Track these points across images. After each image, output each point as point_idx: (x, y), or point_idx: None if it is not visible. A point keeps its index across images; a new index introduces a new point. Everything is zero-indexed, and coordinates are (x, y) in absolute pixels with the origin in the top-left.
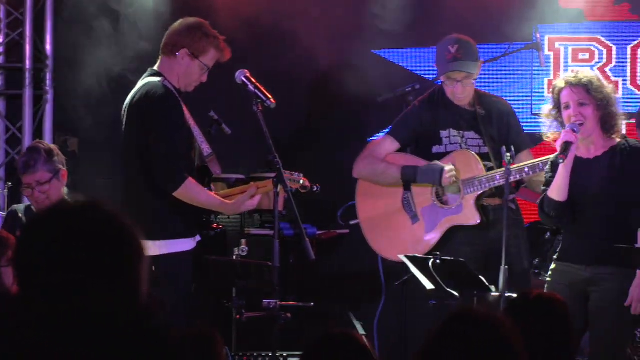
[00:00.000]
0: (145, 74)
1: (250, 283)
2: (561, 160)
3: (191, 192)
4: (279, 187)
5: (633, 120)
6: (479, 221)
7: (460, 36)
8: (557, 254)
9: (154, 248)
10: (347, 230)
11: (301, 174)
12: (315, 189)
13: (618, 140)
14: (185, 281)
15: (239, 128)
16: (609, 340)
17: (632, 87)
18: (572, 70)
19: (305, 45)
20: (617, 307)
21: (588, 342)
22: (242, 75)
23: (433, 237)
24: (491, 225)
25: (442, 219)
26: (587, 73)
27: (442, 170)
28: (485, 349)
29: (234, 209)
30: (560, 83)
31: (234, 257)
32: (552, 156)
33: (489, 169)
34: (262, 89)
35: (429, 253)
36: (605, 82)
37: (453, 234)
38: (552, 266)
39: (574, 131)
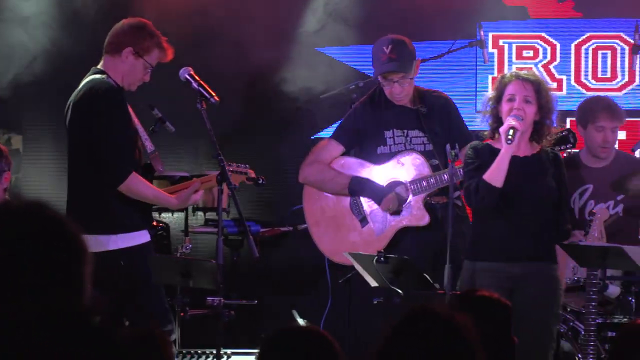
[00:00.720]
0: (89, 72)
1: (194, 281)
2: (509, 142)
3: (136, 186)
4: (223, 185)
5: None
6: (428, 221)
7: (394, 36)
8: (473, 253)
9: (113, 241)
10: (290, 228)
11: (247, 166)
12: (260, 181)
13: (540, 147)
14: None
15: (183, 125)
16: (537, 335)
17: (575, 84)
18: (521, 69)
19: (250, 43)
20: (544, 303)
21: None
22: (186, 73)
23: (383, 240)
24: (439, 223)
25: (392, 221)
26: (538, 75)
27: (383, 198)
28: (444, 347)
29: (178, 203)
30: (510, 75)
31: (178, 255)
32: (475, 142)
33: (435, 167)
34: (206, 86)
35: None
36: (551, 92)
37: (403, 235)
38: (469, 265)
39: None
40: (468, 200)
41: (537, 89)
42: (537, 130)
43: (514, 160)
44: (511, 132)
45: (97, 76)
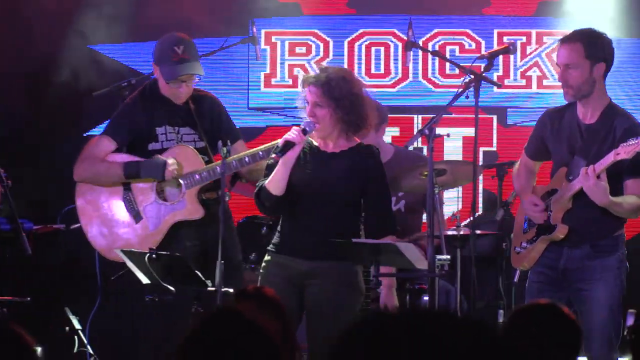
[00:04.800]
0: None
1: None
2: (271, 161)
3: None
4: None
5: None
6: (202, 215)
7: (181, 35)
8: (273, 245)
9: None
10: (63, 225)
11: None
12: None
13: (358, 141)
14: None
15: None
16: (327, 333)
17: None
18: (320, 67)
19: (24, 40)
20: (334, 301)
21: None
22: None
23: (158, 235)
24: (211, 219)
25: (166, 216)
26: (331, 71)
27: (164, 163)
28: (251, 349)
29: None
30: (302, 81)
31: None
32: (278, 140)
33: (205, 163)
34: None
35: None
36: (354, 80)
37: (177, 230)
38: (267, 257)
39: (305, 131)
40: (256, 203)
41: (324, 90)
42: (348, 125)
43: (321, 157)
44: (281, 147)
45: None
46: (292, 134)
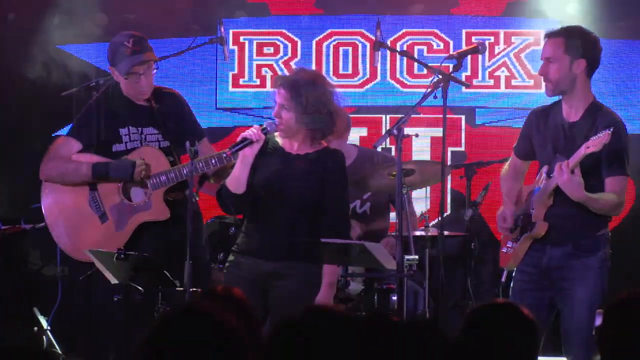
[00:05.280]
0: None
1: None
2: (224, 154)
3: None
4: None
5: None
6: (168, 216)
7: (129, 32)
8: (236, 246)
9: None
10: (32, 225)
11: None
12: None
13: (325, 145)
14: None
15: None
16: None
17: None
18: (294, 70)
19: None
20: (297, 302)
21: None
22: None
23: (124, 235)
24: (176, 219)
25: (132, 217)
26: (302, 75)
27: (133, 164)
28: (212, 344)
29: None
30: (275, 80)
31: None
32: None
33: (171, 163)
34: None
35: None
36: (324, 86)
37: (143, 230)
38: (231, 258)
39: (265, 130)
40: (218, 202)
41: (292, 94)
42: (312, 132)
43: (285, 157)
44: (236, 144)
45: None
46: (250, 132)
